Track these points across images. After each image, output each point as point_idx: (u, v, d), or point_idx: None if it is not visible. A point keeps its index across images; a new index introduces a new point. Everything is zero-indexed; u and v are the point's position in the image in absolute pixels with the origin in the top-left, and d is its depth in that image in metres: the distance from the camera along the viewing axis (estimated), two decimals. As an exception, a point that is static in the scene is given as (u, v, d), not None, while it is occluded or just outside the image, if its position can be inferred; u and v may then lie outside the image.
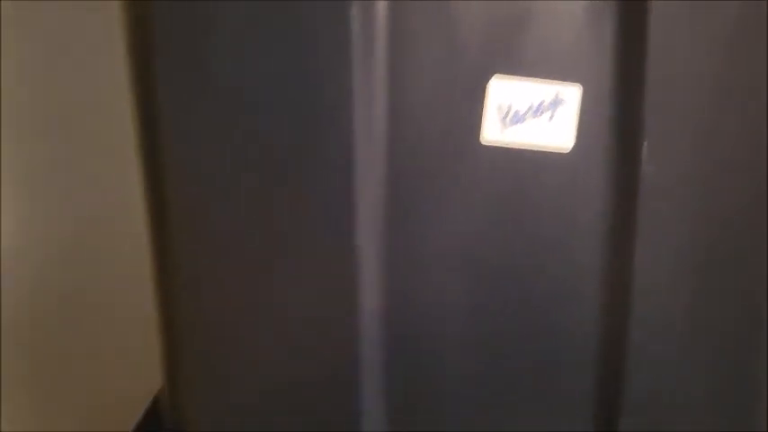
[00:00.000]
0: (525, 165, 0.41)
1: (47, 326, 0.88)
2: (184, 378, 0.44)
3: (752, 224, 0.41)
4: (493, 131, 0.40)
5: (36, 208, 0.84)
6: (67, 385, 0.90)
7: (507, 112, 0.40)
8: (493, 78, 0.40)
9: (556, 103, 0.40)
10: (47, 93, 0.82)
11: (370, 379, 0.43)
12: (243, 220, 0.41)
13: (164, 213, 0.41)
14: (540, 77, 0.40)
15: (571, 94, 0.40)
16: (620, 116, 0.40)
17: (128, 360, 0.90)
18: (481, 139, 0.40)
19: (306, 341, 0.43)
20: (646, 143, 0.40)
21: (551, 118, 0.40)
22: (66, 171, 0.84)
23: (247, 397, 0.44)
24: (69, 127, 0.82)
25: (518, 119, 0.40)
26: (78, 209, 0.84)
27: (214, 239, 0.41)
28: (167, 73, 0.39)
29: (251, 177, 0.40)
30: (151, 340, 0.88)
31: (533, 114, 0.40)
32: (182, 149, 0.40)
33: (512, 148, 0.40)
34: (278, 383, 0.43)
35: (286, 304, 0.42)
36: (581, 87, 0.40)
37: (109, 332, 0.90)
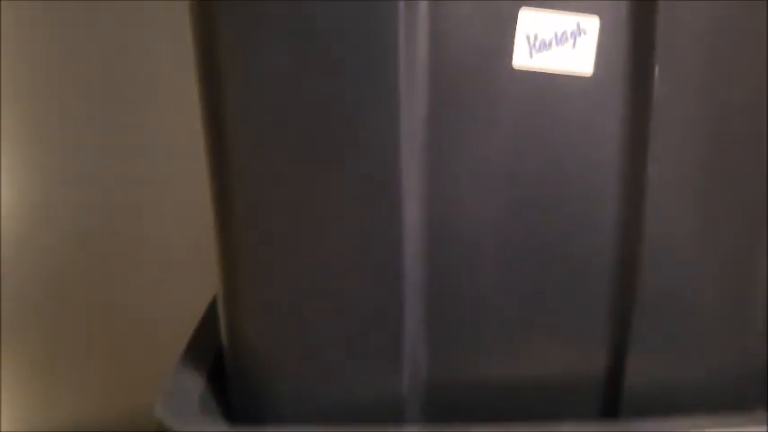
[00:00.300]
0: (551, 88, 0.45)
1: (47, 323, 0.88)
2: (240, 288, 0.47)
3: (756, 141, 0.46)
4: (522, 57, 0.45)
5: (40, 198, 0.85)
6: (68, 384, 0.90)
7: (535, 40, 0.45)
8: (521, 9, 0.44)
9: (577, 32, 0.45)
10: (47, 89, 0.83)
11: (412, 291, 0.46)
12: (297, 143, 0.44)
13: (223, 144, 0.45)
14: (564, 10, 0.45)
15: (590, 25, 0.45)
16: (635, 43, 0.45)
17: (128, 361, 0.90)
18: (513, 64, 0.45)
19: (351, 255, 0.46)
20: (657, 66, 0.45)
21: (574, 46, 0.45)
22: (65, 169, 0.85)
23: (298, 304, 0.47)
24: (72, 121, 0.84)
25: (544, 46, 0.45)
26: (85, 199, 0.85)
27: (269, 164, 0.45)
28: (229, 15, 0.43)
29: (303, 107, 0.44)
30: (152, 341, 0.89)
31: (557, 42, 0.45)
32: (241, 84, 0.43)
33: (539, 73, 0.45)
34: (326, 293, 0.47)
35: (334, 220, 0.45)
36: (598, 18, 0.45)
37: (109, 332, 0.90)
